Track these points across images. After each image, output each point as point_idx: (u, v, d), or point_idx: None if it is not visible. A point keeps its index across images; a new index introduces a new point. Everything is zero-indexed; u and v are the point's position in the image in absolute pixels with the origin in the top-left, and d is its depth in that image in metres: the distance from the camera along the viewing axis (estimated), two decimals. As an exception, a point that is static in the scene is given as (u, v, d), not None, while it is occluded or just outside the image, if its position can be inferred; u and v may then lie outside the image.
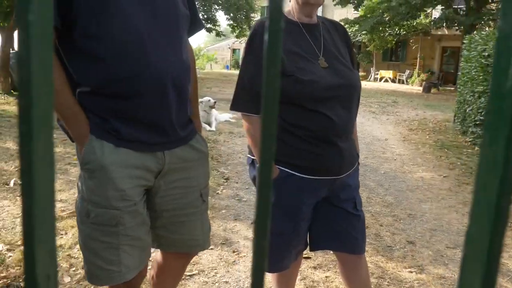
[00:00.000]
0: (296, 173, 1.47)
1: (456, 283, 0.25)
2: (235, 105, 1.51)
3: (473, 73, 6.34)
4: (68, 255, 2.44)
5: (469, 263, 0.24)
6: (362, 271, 1.73)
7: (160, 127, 1.24)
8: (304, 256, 2.48)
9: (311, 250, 1.69)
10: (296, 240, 1.57)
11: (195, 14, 1.42)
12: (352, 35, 21.09)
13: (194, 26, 1.44)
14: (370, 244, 2.78)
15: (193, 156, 1.37)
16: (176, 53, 1.25)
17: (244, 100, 1.47)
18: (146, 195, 1.32)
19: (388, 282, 2.33)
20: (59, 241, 2.60)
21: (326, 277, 2.35)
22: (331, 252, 1.79)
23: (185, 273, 2.30)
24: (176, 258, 1.47)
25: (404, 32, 19.17)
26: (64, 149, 4.70)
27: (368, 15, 18.63)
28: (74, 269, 2.30)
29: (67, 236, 2.67)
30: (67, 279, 2.21)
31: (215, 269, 2.38)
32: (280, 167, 1.48)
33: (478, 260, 0.23)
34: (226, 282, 2.26)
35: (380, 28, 18.93)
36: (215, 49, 35.91)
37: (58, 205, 3.18)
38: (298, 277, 2.27)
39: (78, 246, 2.53)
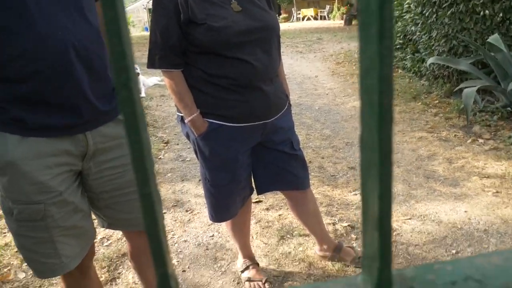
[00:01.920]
0: (226, 123, 1.46)
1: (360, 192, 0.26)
2: (151, 63, 1.44)
3: (388, -2, 6.53)
4: (16, 251, 2.32)
5: (366, 168, 0.25)
6: (310, 203, 1.82)
7: (72, 107, 1.10)
8: (255, 200, 2.56)
9: (258, 194, 1.74)
10: (237, 188, 1.60)
11: None
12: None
13: None
14: (316, 176, 2.91)
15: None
16: (76, 19, 1.09)
17: (160, 55, 1.41)
18: (79, 178, 1.23)
19: (336, 207, 2.48)
20: (4, 239, 2.45)
21: (279, 215, 2.45)
22: (280, 192, 1.85)
23: (141, 242, 2.29)
24: (137, 236, 1.41)
25: (320, -34, 19.10)
26: None
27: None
28: (26, 264, 2.20)
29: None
30: (21, 275, 2.11)
31: (172, 231, 2.39)
32: (209, 120, 1.47)
33: (373, 163, 0.24)
34: (185, 241, 2.28)
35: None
36: (129, 12, 33.78)
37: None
38: (253, 220, 2.35)
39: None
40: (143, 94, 6.09)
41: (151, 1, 1.44)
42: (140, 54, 12.10)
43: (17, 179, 1.08)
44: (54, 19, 1.04)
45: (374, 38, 0.21)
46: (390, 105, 0.22)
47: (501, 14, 3.90)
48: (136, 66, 6.17)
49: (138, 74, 6.09)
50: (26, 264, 2.22)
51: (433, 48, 4.74)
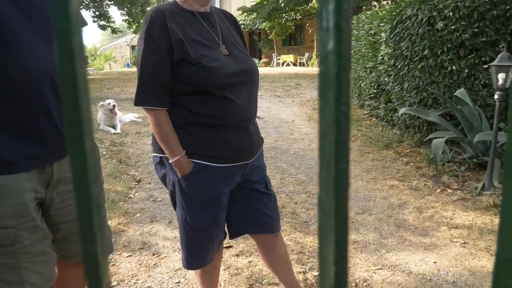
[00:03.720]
0: (211, 164, 1.45)
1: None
2: (139, 100, 1.42)
3: (363, 51, 6.84)
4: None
5: (323, 231, 0.24)
6: (281, 249, 1.78)
7: (45, 137, 1.16)
8: (225, 245, 2.49)
9: (230, 238, 1.70)
10: (217, 231, 1.57)
11: None
12: (251, 23, 21.45)
13: None
14: (288, 222, 2.88)
15: None
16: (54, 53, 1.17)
17: (148, 93, 1.40)
18: (40, 209, 1.23)
19: (307, 255, 2.44)
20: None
21: (249, 262, 2.38)
22: (250, 237, 1.81)
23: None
24: (73, 266, 1.41)
25: (300, 16, 19.98)
26: None
27: (265, 2, 19.04)
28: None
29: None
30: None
31: (135, 276, 2.28)
32: (194, 160, 1.45)
33: (329, 227, 0.23)
34: (149, 287, 2.18)
35: (278, 14, 19.47)
36: (112, 47, 34.08)
37: None
38: (222, 267, 2.27)
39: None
40: (118, 130, 6.01)
41: (136, 39, 1.46)
42: (119, 90, 12.09)
43: None
44: (39, 51, 1.12)
45: (331, 103, 0.21)
46: (346, 170, 0.22)
47: (466, 70, 4.12)
48: (112, 101, 6.12)
49: (113, 110, 6.03)
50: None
51: (404, 98, 4.93)
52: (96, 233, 0.19)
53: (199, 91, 1.40)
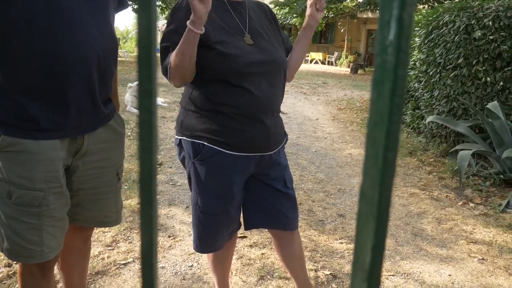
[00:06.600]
0: (224, 150, 1.47)
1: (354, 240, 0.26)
2: (164, 73, 1.46)
3: (395, 54, 6.72)
4: (-14, 254, 2.24)
5: (363, 218, 0.24)
6: (296, 246, 1.78)
7: (82, 108, 1.23)
8: (240, 235, 2.51)
9: (245, 229, 1.71)
10: (228, 219, 1.58)
11: None
12: (282, 17, 21.32)
13: (121, 3, 1.43)
14: (304, 219, 2.88)
15: (112, 137, 1.39)
16: (102, 31, 1.23)
17: (163, 65, 1.43)
18: (65, 175, 1.31)
19: (320, 254, 2.44)
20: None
21: (262, 254, 2.40)
22: (266, 230, 1.82)
23: (119, 262, 2.22)
24: (76, 230, 1.48)
25: (332, 15, 19.75)
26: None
27: (298, -2, 18.88)
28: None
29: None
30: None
31: (150, 256, 2.32)
32: (209, 144, 1.47)
33: (370, 214, 0.24)
34: (163, 267, 2.22)
35: (310, 11, 19.26)
36: (144, 31, 34.52)
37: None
38: (235, 256, 2.30)
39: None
40: (143, 113, 6.10)
41: (165, 25, 1.50)
42: (147, 74, 12.25)
43: (30, 166, 1.16)
44: (89, 29, 1.18)
45: (386, 94, 0.21)
46: (394, 160, 0.23)
47: (501, 83, 4.01)
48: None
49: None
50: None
51: (433, 107, 4.83)
52: (153, 197, 0.20)
53: (216, 78, 1.41)
